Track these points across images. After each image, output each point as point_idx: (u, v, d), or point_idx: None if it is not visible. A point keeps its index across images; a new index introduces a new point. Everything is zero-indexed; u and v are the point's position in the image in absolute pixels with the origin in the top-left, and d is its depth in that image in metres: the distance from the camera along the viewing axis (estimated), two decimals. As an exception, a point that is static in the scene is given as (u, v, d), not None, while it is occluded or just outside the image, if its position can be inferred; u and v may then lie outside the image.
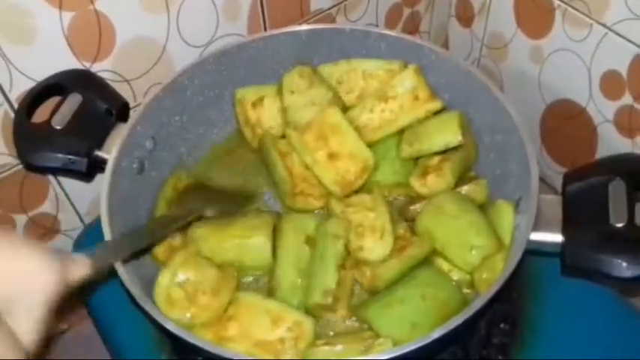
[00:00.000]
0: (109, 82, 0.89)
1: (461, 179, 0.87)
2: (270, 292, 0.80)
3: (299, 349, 0.73)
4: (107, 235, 0.74)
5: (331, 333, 0.78)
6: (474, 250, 0.77)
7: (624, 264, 0.68)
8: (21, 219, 0.94)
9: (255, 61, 0.95)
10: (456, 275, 0.80)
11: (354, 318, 0.78)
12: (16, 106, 0.84)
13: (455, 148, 0.86)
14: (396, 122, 0.89)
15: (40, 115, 0.84)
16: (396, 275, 0.78)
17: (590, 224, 0.72)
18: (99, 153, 0.83)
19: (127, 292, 0.69)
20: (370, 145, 0.89)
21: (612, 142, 0.99)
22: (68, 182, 0.96)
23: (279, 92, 0.93)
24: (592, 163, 0.82)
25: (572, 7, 0.96)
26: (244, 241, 0.81)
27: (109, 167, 0.80)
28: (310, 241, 0.81)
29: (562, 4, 0.97)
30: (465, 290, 0.79)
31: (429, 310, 0.74)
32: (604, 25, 0.92)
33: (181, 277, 0.76)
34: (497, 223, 0.79)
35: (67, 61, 0.85)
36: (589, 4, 0.93)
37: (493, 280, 0.70)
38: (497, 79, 1.18)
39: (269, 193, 0.92)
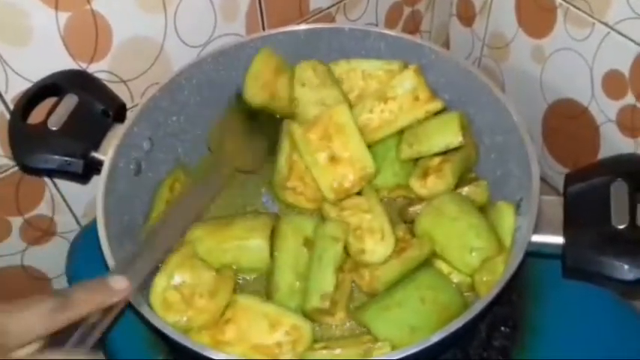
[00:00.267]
0: (105, 82, 0.88)
1: (461, 180, 0.86)
2: (268, 295, 0.79)
3: (297, 353, 0.72)
4: (103, 237, 0.73)
5: (329, 337, 0.77)
6: (474, 252, 0.76)
7: (626, 266, 0.67)
8: (17, 221, 0.94)
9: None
10: (456, 278, 0.79)
11: (352, 321, 0.78)
12: (11, 107, 0.83)
13: (455, 149, 0.85)
14: (396, 123, 0.88)
15: (36, 116, 0.83)
16: (395, 277, 0.77)
17: (591, 226, 0.71)
18: (95, 154, 0.82)
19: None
20: (370, 146, 0.88)
21: (615, 142, 0.98)
22: (64, 184, 0.95)
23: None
24: (594, 164, 0.82)
25: (574, 6, 0.95)
26: (242, 243, 0.81)
27: (105, 168, 0.79)
28: (308, 243, 0.80)
29: (564, 3, 0.97)
30: (465, 293, 0.79)
31: (428, 313, 0.73)
32: (606, 25, 0.91)
33: (177, 279, 0.75)
34: (497, 225, 0.79)
35: (63, 62, 0.84)
36: (591, 3, 0.92)
37: (493, 283, 0.69)
38: (498, 79, 1.17)
39: (267, 195, 0.91)
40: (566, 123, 1.06)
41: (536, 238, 0.71)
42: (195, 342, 0.67)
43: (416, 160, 0.88)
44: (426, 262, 0.80)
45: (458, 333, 0.64)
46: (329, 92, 0.91)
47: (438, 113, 0.88)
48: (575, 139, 1.06)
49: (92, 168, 0.82)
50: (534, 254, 0.71)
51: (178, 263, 0.76)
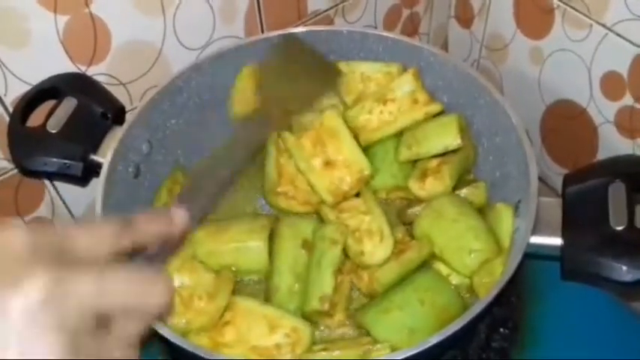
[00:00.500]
0: (104, 85, 0.88)
1: (460, 182, 0.86)
2: (267, 297, 0.79)
3: (296, 355, 0.72)
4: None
5: (329, 338, 0.77)
6: (473, 254, 0.76)
7: (624, 268, 0.67)
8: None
9: (253, 64, 0.94)
10: (455, 279, 0.79)
11: (352, 323, 0.78)
12: (11, 110, 0.83)
13: (453, 151, 0.85)
14: (395, 124, 0.89)
15: (35, 119, 0.84)
16: (394, 279, 0.77)
17: (590, 227, 0.71)
18: (94, 157, 0.82)
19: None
20: (368, 147, 0.88)
21: (613, 143, 0.98)
22: (64, 186, 0.95)
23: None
24: (592, 165, 0.82)
25: (572, 8, 0.95)
26: (241, 245, 0.81)
27: (104, 171, 0.79)
28: (307, 246, 0.80)
29: (562, 5, 0.97)
30: (464, 294, 0.79)
31: (427, 315, 0.73)
32: (604, 26, 0.91)
33: (176, 281, 0.75)
34: (496, 227, 0.79)
35: (62, 65, 0.84)
36: (589, 4, 0.92)
37: (492, 284, 0.69)
38: (496, 81, 1.17)
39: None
40: (564, 124, 1.06)
41: (535, 240, 0.71)
42: (194, 344, 0.67)
43: (414, 162, 0.88)
44: (425, 264, 0.80)
45: (457, 334, 0.64)
46: (327, 99, 0.91)
47: (436, 115, 0.88)
48: (573, 140, 1.06)
49: (91, 171, 0.82)
50: (533, 256, 0.71)
51: (177, 265, 0.76)
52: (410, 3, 1.17)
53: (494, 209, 0.81)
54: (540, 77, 1.07)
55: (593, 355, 0.76)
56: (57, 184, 0.95)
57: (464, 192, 0.86)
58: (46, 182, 0.94)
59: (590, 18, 0.93)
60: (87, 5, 0.82)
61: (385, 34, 0.94)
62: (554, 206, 0.74)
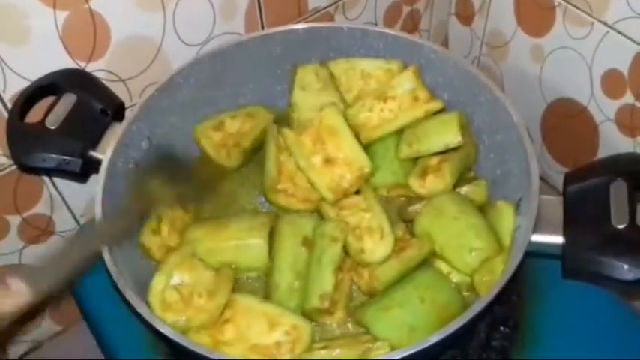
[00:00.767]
0: (104, 81, 0.88)
1: (460, 180, 0.86)
2: (267, 294, 0.79)
3: (296, 353, 0.72)
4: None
5: (329, 336, 0.77)
6: (474, 252, 0.76)
7: (625, 266, 0.67)
8: (15, 220, 0.94)
9: (252, 60, 0.94)
10: (455, 277, 0.79)
11: (352, 321, 0.77)
12: (10, 106, 0.83)
13: (454, 149, 0.85)
14: (395, 121, 0.88)
15: (35, 115, 0.83)
16: (394, 277, 0.77)
17: (591, 225, 0.71)
18: (94, 153, 0.82)
19: (121, 295, 0.69)
20: (369, 145, 0.88)
21: (614, 141, 0.98)
22: (63, 183, 0.95)
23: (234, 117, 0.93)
24: (593, 163, 0.82)
25: (573, 5, 0.95)
26: (240, 242, 0.80)
27: (103, 168, 0.79)
28: (307, 243, 0.80)
29: (563, 2, 0.96)
30: (465, 293, 0.78)
31: (427, 313, 0.73)
32: (605, 24, 0.91)
33: (176, 279, 0.75)
34: (497, 225, 0.79)
35: (61, 61, 0.84)
36: (590, 2, 0.92)
37: (493, 283, 0.69)
38: (497, 78, 1.17)
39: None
40: (565, 122, 1.06)
41: (536, 238, 0.71)
42: (193, 342, 0.67)
43: (415, 160, 0.88)
44: (426, 262, 0.80)
45: (457, 333, 0.64)
46: (328, 98, 0.90)
47: (437, 113, 0.88)
48: (574, 139, 1.06)
49: (90, 167, 0.82)
50: (534, 254, 0.71)
51: (177, 263, 0.76)
52: (410, 0, 1.17)
53: (495, 207, 0.81)
54: (541, 75, 1.07)
55: (593, 354, 0.76)
56: (56, 180, 0.94)
57: (464, 190, 0.86)
58: (45, 179, 0.93)
59: (591, 16, 0.93)
60: (86, 1, 0.81)
61: (386, 30, 0.94)
62: (555, 204, 0.74)
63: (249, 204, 0.90)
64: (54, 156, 0.81)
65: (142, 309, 0.68)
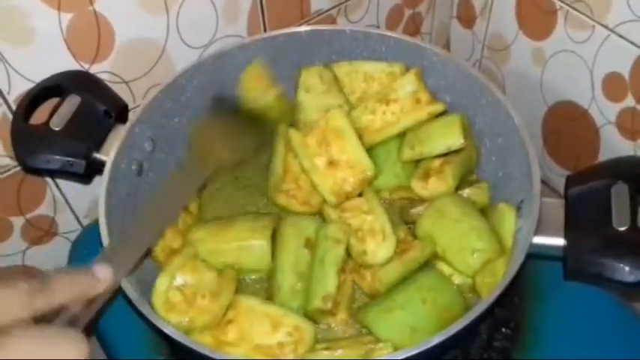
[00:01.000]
0: (107, 83, 0.88)
1: (462, 182, 0.86)
2: (270, 296, 0.79)
3: (298, 354, 0.73)
4: (105, 238, 0.73)
5: (331, 337, 0.77)
6: (475, 253, 0.76)
7: (627, 268, 0.68)
8: (18, 221, 0.94)
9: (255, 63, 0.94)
10: (457, 279, 0.79)
11: (354, 322, 0.78)
12: (14, 107, 0.83)
13: (456, 151, 0.85)
14: (398, 124, 0.88)
15: (39, 116, 0.84)
16: (396, 278, 0.78)
17: (592, 228, 0.72)
18: (97, 155, 0.82)
19: (125, 295, 0.69)
20: (371, 148, 0.88)
21: (615, 145, 0.98)
22: (66, 184, 0.95)
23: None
24: (594, 166, 0.82)
25: (574, 9, 0.95)
26: (243, 244, 0.81)
27: (107, 169, 0.79)
28: (310, 244, 0.80)
29: (564, 6, 0.97)
30: (467, 294, 0.79)
31: (429, 315, 0.74)
32: (606, 27, 0.92)
33: (180, 280, 0.75)
34: (498, 227, 0.79)
35: (65, 63, 0.84)
36: (591, 5, 0.92)
37: (495, 284, 0.69)
38: (498, 81, 1.17)
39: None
40: (566, 125, 1.06)
41: (538, 240, 0.71)
42: (197, 342, 0.67)
43: (417, 162, 0.88)
44: (428, 264, 0.80)
45: (459, 334, 0.64)
46: (333, 100, 0.91)
47: (439, 115, 0.88)
48: (575, 141, 1.06)
49: (94, 168, 0.82)
50: (535, 256, 0.71)
51: (180, 264, 0.76)
52: (412, 3, 1.18)
53: (496, 209, 0.81)
54: (542, 78, 1.07)
55: (595, 356, 0.77)
56: (59, 181, 0.95)
57: (466, 192, 0.86)
58: (49, 180, 0.94)
59: (592, 19, 0.93)
60: (91, 3, 0.82)
61: (387, 33, 0.94)
62: (556, 207, 0.74)
63: (252, 207, 0.91)
64: (58, 157, 0.81)
65: (145, 309, 0.68)
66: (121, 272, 0.62)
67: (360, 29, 0.96)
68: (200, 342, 0.69)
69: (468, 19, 1.21)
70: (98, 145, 0.83)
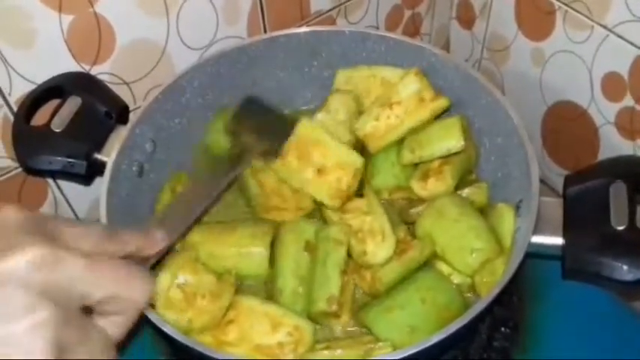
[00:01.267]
0: (108, 84, 0.88)
1: (461, 182, 0.87)
2: (270, 299, 0.79)
3: (298, 354, 0.73)
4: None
5: (331, 337, 0.77)
6: (474, 253, 0.77)
7: (625, 267, 0.68)
8: (20, 222, 0.94)
9: (255, 64, 0.95)
10: (456, 279, 0.79)
11: (354, 322, 0.78)
12: (15, 109, 0.84)
13: (456, 152, 0.85)
14: (402, 126, 0.88)
15: (40, 118, 0.84)
16: (396, 278, 0.78)
17: (591, 227, 0.72)
18: (98, 156, 0.83)
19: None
20: (376, 153, 0.89)
21: (614, 144, 0.98)
22: (67, 185, 0.96)
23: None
24: (593, 166, 0.82)
25: (573, 9, 0.96)
26: (242, 250, 0.81)
27: (108, 170, 0.79)
28: (310, 247, 0.80)
29: (563, 6, 0.97)
30: (466, 294, 0.79)
31: (428, 314, 0.74)
32: (605, 27, 0.92)
33: (181, 279, 0.75)
34: (497, 226, 0.79)
35: (66, 64, 0.85)
36: (590, 5, 0.93)
37: (494, 284, 0.69)
38: (498, 81, 1.18)
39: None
40: (565, 125, 1.07)
41: (536, 239, 0.71)
42: (197, 341, 0.67)
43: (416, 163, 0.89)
44: (427, 264, 0.80)
45: (458, 333, 0.65)
46: (343, 133, 0.90)
47: (439, 117, 0.88)
48: (574, 141, 1.06)
49: (95, 169, 0.83)
50: (534, 255, 0.71)
51: (180, 265, 0.76)
52: (412, 4, 1.18)
53: (495, 209, 0.81)
54: (541, 78, 1.07)
55: (594, 355, 0.77)
56: (60, 182, 0.95)
57: (466, 192, 0.86)
58: (50, 181, 0.94)
59: (591, 19, 0.93)
60: (91, 5, 0.82)
61: (387, 34, 0.95)
62: (555, 206, 0.74)
63: (250, 213, 0.90)
64: (59, 158, 0.82)
65: (147, 310, 0.68)
66: (173, 237, 0.66)
67: (359, 30, 0.97)
68: (200, 342, 0.69)
69: (467, 19, 1.21)
70: (99, 146, 0.83)
